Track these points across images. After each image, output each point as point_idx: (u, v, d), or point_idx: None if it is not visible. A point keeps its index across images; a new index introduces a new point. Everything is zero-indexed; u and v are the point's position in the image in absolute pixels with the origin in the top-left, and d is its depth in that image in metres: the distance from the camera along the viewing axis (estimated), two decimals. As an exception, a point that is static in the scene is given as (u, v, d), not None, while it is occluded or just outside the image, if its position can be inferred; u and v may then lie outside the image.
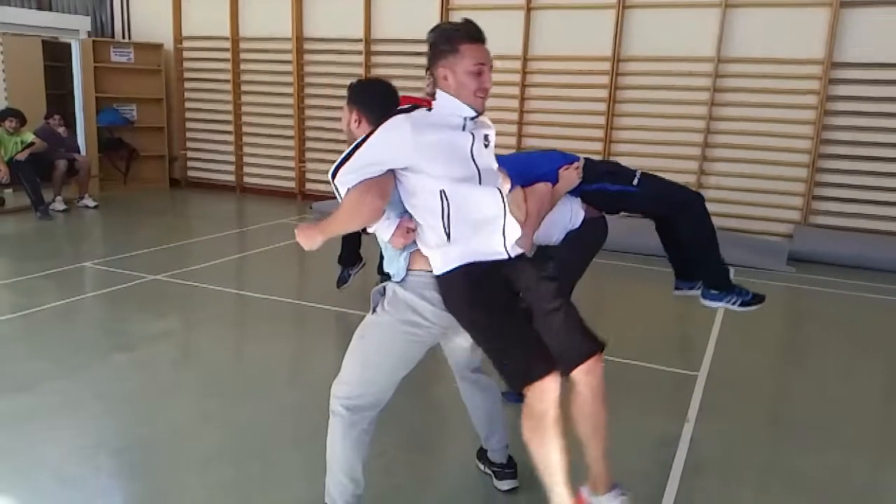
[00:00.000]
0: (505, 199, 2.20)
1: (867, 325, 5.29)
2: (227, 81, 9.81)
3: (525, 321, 2.11)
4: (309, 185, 9.70)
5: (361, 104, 2.35)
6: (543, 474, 2.07)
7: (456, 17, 8.42)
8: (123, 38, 10.26)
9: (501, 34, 8.18)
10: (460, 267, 2.09)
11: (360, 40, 8.92)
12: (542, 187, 3.14)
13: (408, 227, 2.16)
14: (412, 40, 8.53)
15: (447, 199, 2.08)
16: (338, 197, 2.16)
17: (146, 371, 3.88)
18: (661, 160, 7.74)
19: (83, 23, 9.50)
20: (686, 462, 3.03)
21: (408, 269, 2.20)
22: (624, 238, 6.09)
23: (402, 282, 2.22)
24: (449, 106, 2.14)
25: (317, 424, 3.21)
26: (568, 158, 3.29)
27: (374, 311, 2.29)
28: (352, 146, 2.13)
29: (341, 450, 2.30)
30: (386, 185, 2.11)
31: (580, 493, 2.32)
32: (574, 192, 3.26)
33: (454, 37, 2.11)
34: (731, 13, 7.37)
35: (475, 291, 2.09)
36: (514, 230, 2.22)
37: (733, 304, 3.45)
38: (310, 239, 2.20)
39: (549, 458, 2.03)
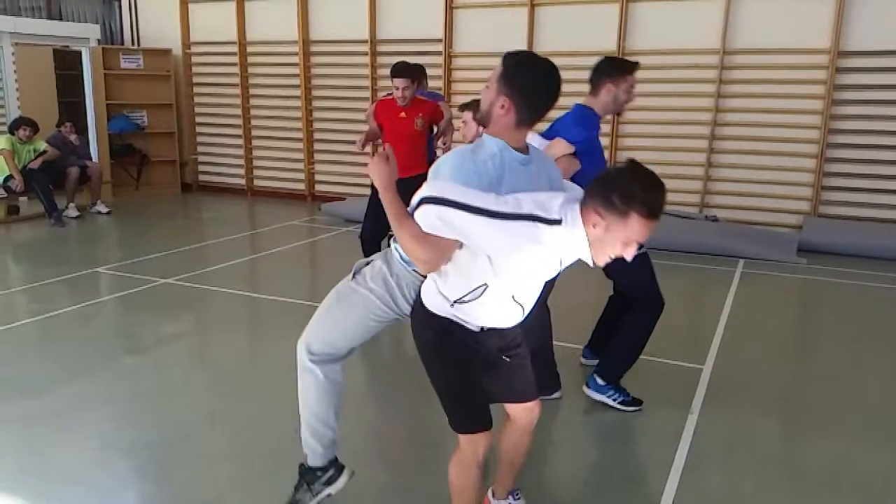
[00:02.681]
0: (522, 315, 2.13)
1: (877, 315, 5.25)
2: (235, 85, 9.89)
3: (472, 375, 2.14)
4: (319, 187, 9.76)
5: (518, 93, 1.94)
6: (454, 499, 2.25)
7: (460, 16, 8.46)
8: (133, 44, 10.38)
9: (506, 32, 8.20)
10: (439, 316, 2.08)
11: (366, 41, 8.97)
12: (571, 164, 3.20)
13: None
14: (417, 40, 8.57)
15: (482, 293, 1.98)
16: (412, 211, 1.91)
17: (156, 373, 3.94)
18: (669, 153, 7.73)
19: (93, 31, 9.64)
20: (689, 454, 3.05)
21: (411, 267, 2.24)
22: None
23: (396, 266, 2.24)
24: (576, 250, 1.87)
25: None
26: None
27: (353, 276, 2.34)
28: (473, 203, 1.80)
29: (317, 401, 2.41)
30: (452, 252, 1.94)
31: (486, 499, 2.55)
32: None
33: (633, 201, 1.74)
34: (736, 4, 7.34)
35: (438, 338, 2.11)
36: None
37: (614, 399, 3.50)
38: (379, 178, 1.98)
39: (465, 494, 2.21)
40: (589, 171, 3.33)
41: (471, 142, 3.55)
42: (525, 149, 2.03)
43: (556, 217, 1.82)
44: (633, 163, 1.81)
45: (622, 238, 1.79)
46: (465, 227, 1.82)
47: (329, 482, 2.51)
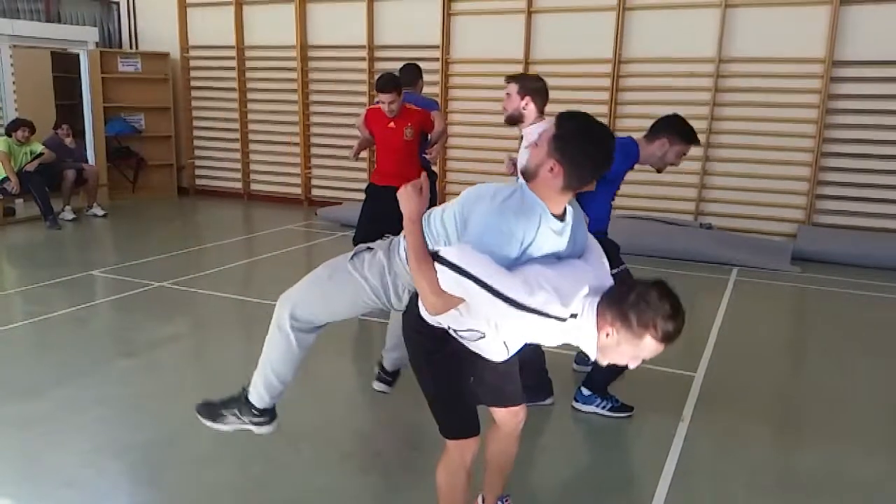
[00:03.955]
0: (506, 356, 2.14)
1: (871, 324, 5.27)
2: (233, 90, 9.90)
3: (462, 382, 2.17)
4: (315, 192, 9.78)
5: (569, 160, 1.88)
6: (442, 503, 2.27)
7: (457, 22, 8.49)
8: (131, 48, 10.39)
9: (503, 39, 8.24)
10: (431, 325, 2.11)
11: (364, 47, 8.99)
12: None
13: None
14: (414, 46, 8.59)
15: (477, 339, 2.03)
16: (434, 256, 1.92)
17: (150, 375, 3.95)
18: (663, 161, 7.75)
19: (91, 34, 9.64)
20: (680, 460, 3.06)
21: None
22: (628, 239, 6.11)
23: (397, 266, 2.24)
24: (583, 342, 1.86)
25: (317, 427, 3.26)
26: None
27: (352, 258, 2.35)
28: (495, 287, 1.79)
29: (281, 362, 2.48)
30: (459, 303, 1.94)
31: (476, 502, 2.57)
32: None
33: (649, 327, 1.75)
34: (732, 13, 7.38)
35: (430, 344, 2.13)
36: None
37: (603, 408, 3.52)
38: (408, 208, 2.01)
39: (452, 497, 2.23)
40: (598, 198, 3.31)
41: (511, 115, 3.46)
42: (563, 214, 1.99)
43: (573, 312, 1.81)
44: (659, 285, 1.78)
45: (631, 353, 1.81)
46: (481, 302, 1.83)
47: (258, 424, 2.61)
